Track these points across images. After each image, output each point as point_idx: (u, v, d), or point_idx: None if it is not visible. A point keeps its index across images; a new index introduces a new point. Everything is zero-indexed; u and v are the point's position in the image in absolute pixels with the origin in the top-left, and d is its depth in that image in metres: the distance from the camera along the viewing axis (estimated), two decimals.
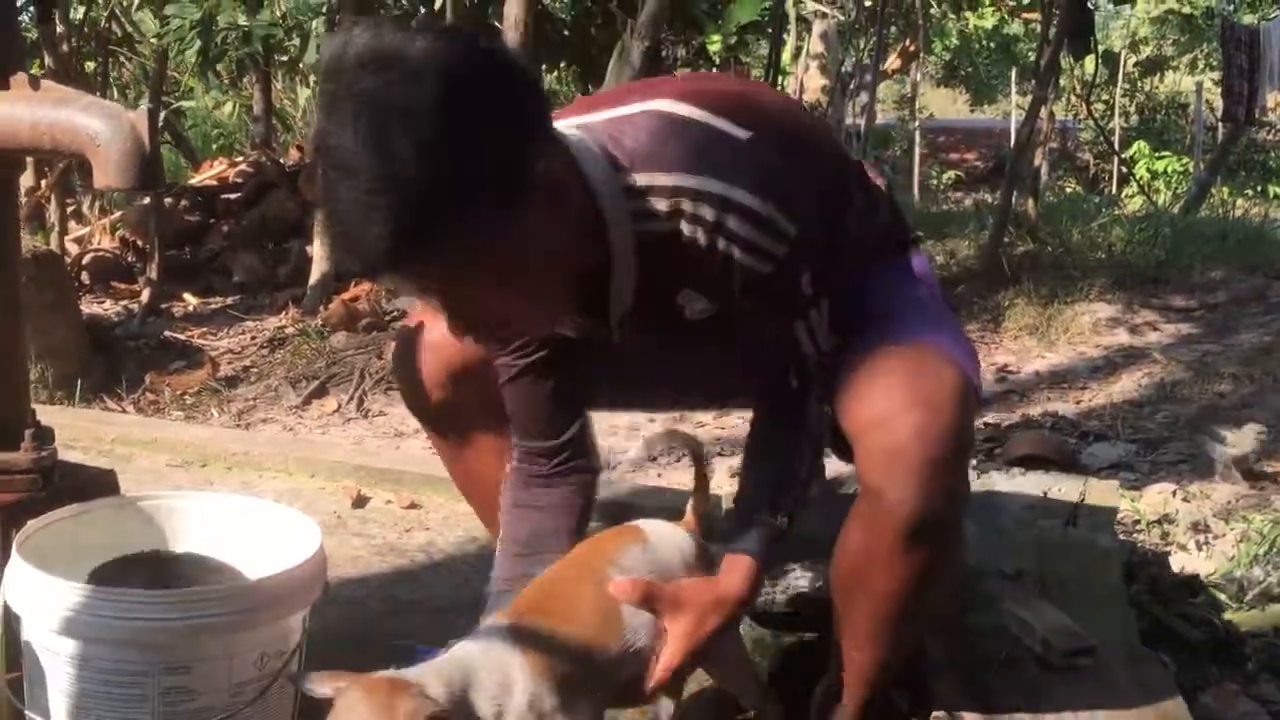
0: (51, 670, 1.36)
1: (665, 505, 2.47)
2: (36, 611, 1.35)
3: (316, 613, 1.47)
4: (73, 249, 5.35)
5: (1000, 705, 1.53)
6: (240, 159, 6.07)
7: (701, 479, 1.57)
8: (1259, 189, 11.17)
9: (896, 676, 1.54)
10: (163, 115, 5.57)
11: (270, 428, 3.79)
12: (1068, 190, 10.22)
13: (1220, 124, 10.86)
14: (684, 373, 1.61)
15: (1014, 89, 13.22)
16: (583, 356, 1.48)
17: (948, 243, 5.94)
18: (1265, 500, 2.99)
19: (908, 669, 1.57)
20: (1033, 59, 8.85)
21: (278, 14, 4.20)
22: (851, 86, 9.46)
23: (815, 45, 7.90)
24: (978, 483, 2.39)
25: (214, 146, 7.89)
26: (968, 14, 11.60)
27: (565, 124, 1.31)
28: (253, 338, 4.74)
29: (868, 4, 8.01)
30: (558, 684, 1.30)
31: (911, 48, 10.48)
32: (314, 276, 4.93)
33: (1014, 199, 5.73)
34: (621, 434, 3.39)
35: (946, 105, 17.71)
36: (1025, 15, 10.88)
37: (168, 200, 5.38)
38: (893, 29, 10.45)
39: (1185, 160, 11.77)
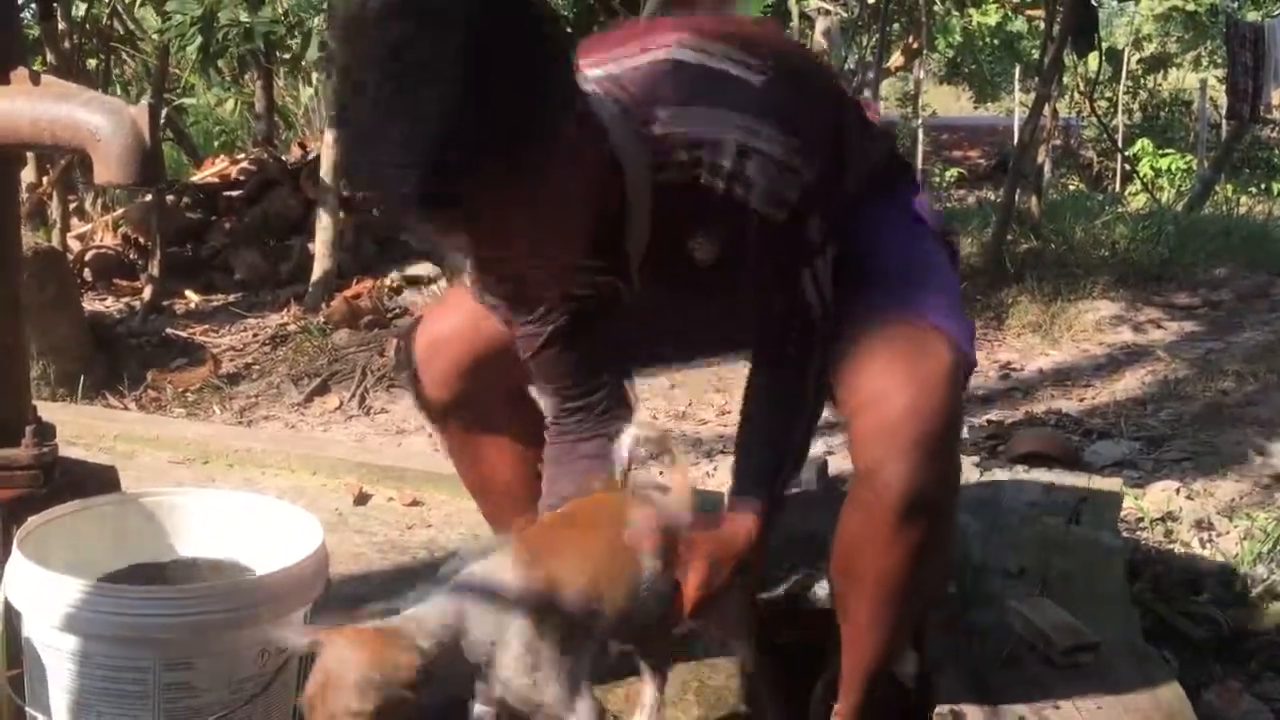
0: (52, 667, 1.36)
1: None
2: (37, 608, 1.35)
3: (318, 610, 1.47)
4: (75, 246, 5.35)
5: (1003, 703, 1.53)
6: (242, 156, 6.06)
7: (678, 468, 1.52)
8: (1263, 186, 11.15)
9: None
10: (164, 112, 5.57)
11: (272, 425, 3.79)
12: (1071, 188, 10.20)
13: (1225, 121, 10.84)
14: (697, 324, 1.59)
15: (1017, 86, 13.20)
16: (601, 318, 1.48)
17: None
18: (1269, 498, 2.98)
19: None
20: (1036, 56, 8.83)
21: (279, 11, 4.20)
22: (854, 83, 9.45)
23: (818, 42, 7.89)
24: (981, 479, 2.38)
25: (216, 144, 7.90)
26: (971, 10, 11.57)
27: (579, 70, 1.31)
28: (255, 335, 4.73)
29: (870, 1, 8.00)
30: (556, 633, 1.26)
31: (914, 45, 10.47)
32: (316, 274, 4.92)
33: (1017, 196, 5.72)
34: None
35: (950, 102, 17.70)
36: (1029, 12, 10.86)
37: (169, 197, 5.38)
38: (896, 26, 10.43)
39: (1189, 158, 11.75)
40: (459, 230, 1.19)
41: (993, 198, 8.36)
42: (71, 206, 5.43)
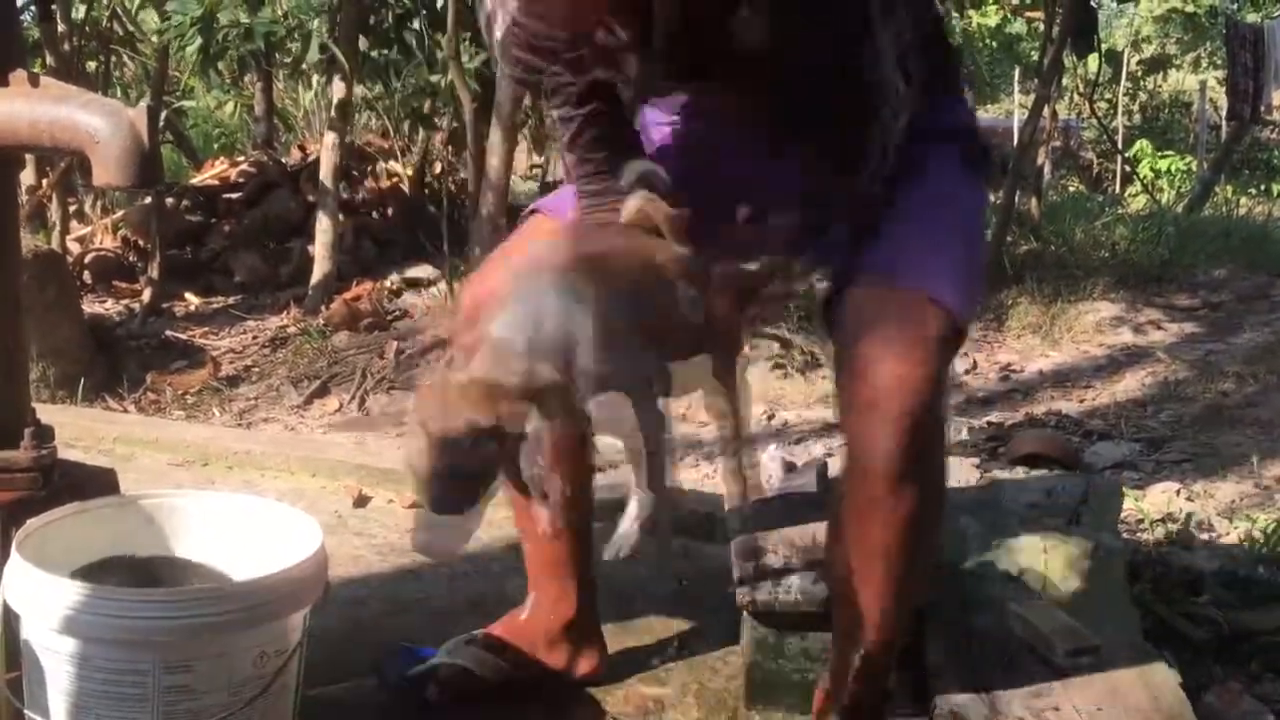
0: (51, 669, 1.36)
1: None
2: (36, 610, 1.35)
3: (317, 612, 1.47)
4: (74, 248, 5.35)
5: (1003, 705, 1.52)
6: (242, 158, 6.06)
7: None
8: (1263, 187, 11.14)
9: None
10: (164, 114, 5.57)
11: (272, 427, 3.79)
12: (1071, 189, 10.20)
13: (1225, 122, 10.84)
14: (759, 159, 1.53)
15: (1017, 88, 13.20)
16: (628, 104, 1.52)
17: None
18: (1269, 499, 2.98)
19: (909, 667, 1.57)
20: (1035, 58, 8.83)
21: (279, 13, 4.20)
22: None
23: None
24: (981, 481, 2.38)
25: (215, 146, 7.89)
26: (971, 12, 11.58)
27: None
28: (254, 337, 4.73)
29: None
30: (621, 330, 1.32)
31: None
32: (316, 276, 4.92)
33: (1017, 198, 5.71)
34: None
35: None
36: (1028, 14, 10.86)
37: (169, 200, 5.38)
38: None
39: (1189, 159, 11.75)
40: None
41: (992, 199, 8.36)
42: (71, 209, 5.43)
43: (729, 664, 1.84)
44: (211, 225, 5.58)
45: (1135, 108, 14.18)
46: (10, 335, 1.62)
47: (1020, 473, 2.50)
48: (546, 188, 5.72)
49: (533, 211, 1.71)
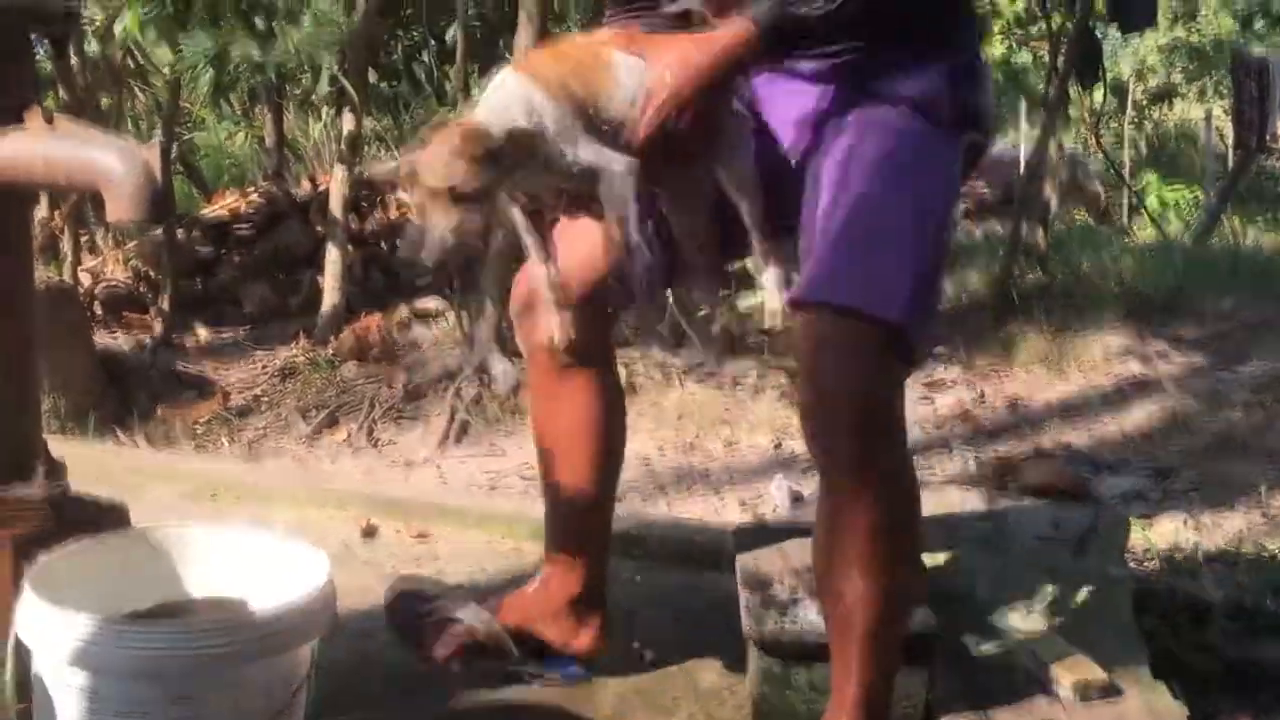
0: (62, 702, 1.37)
1: (677, 535, 2.48)
2: (47, 644, 1.36)
3: (325, 643, 1.48)
4: (85, 280, 5.38)
5: None
6: (252, 190, 6.10)
7: None
8: (1270, 217, 11.14)
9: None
10: (175, 147, 5.61)
11: (280, 458, 3.80)
12: (1078, 220, 10.21)
13: (1230, 152, 10.85)
14: None
15: (1023, 119, 13.23)
16: None
17: (958, 273, 5.94)
18: (1277, 529, 2.97)
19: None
20: (1041, 89, 8.86)
21: (290, 47, 4.25)
22: None
23: None
24: (989, 512, 2.38)
25: (226, 177, 7.94)
26: None
27: None
28: (263, 368, 4.75)
29: None
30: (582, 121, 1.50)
31: None
32: (325, 307, 4.95)
33: (1023, 229, 5.72)
34: None
35: None
36: (1033, 44, 10.91)
37: (180, 231, 5.41)
38: None
39: (1196, 189, 11.75)
40: None
41: (999, 230, 8.38)
42: (82, 240, 5.46)
43: (735, 694, 1.84)
44: (222, 256, 5.62)
45: (1141, 138, 14.21)
46: (23, 370, 1.64)
47: (1028, 503, 2.50)
48: None
49: None
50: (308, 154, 7.44)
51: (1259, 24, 13.14)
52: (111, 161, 1.40)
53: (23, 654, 1.40)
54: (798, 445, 3.80)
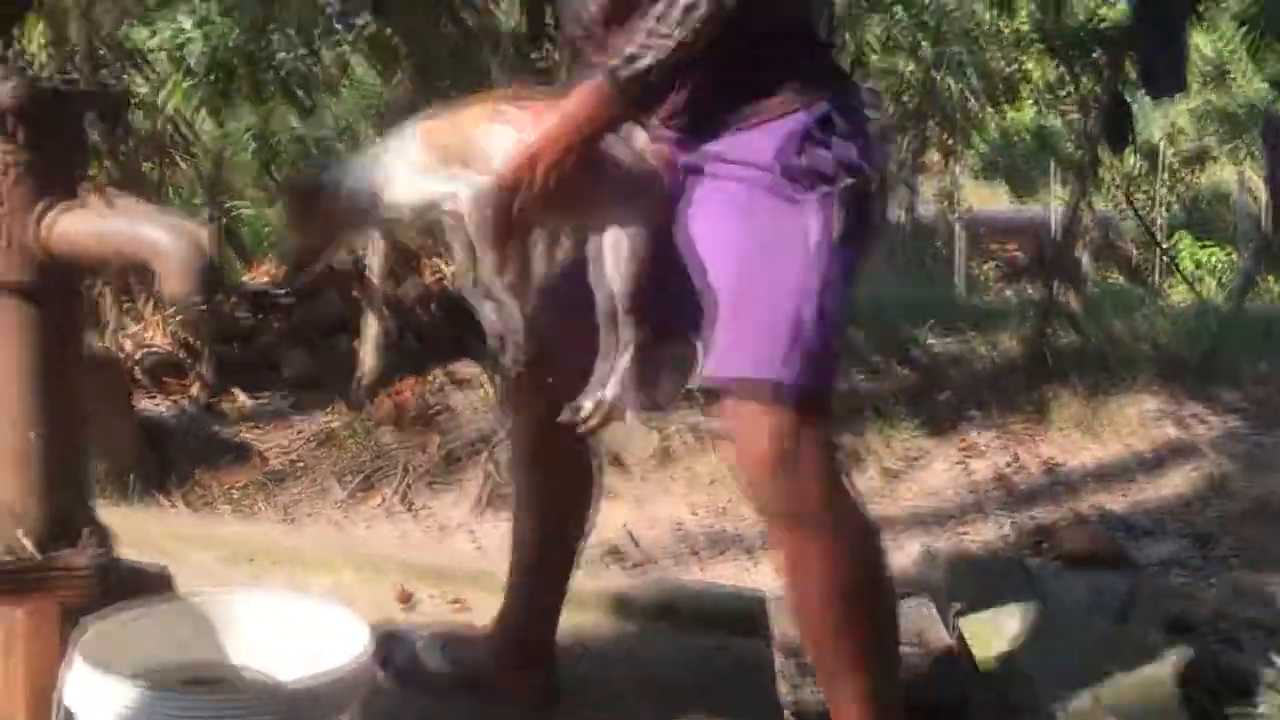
0: None
1: (709, 599, 2.47)
2: (93, 711, 1.38)
3: (364, 712, 1.49)
4: (128, 345, 5.46)
5: None
6: None
7: None
8: None
9: None
10: (218, 217, 5.72)
11: (317, 523, 3.83)
12: (1110, 281, 10.19)
13: (1264, 213, 10.81)
14: None
15: (1054, 181, 13.26)
16: None
17: (991, 335, 5.94)
18: None
19: None
20: (1072, 151, 8.90)
21: (332, 119, 4.35)
22: (891, 181, 9.56)
23: None
24: (1026, 579, 2.36)
25: (265, 245, 8.07)
26: (1006, 107, 11.71)
27: None
28: (300, 432, 4.80)
29: (906, 102, 8.13)
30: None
31: (951, 143, 10.58)
32: (362, 373, 5.00)
33: (1056, 291, 5.72)
34: None
35: (987, 198, 17.78)
36: (1063, 108, 10.96)
37: (220, 298, 5.49)
38: (931, 124, 10.56)
39: (1230, 250, 11.71)
40: None
41: (1031, 292, 8.37)
42: (124, 307, 5.56)
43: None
44: (261, 322, 5.70)
45: (1174, 199, 14.19)
46: (73, 437, 1.68)
47: (1066, 571, 2.49)
48: None
49: None
50: None
51: None
52: (164, 238, 1.44)
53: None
54: None
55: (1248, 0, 6.39)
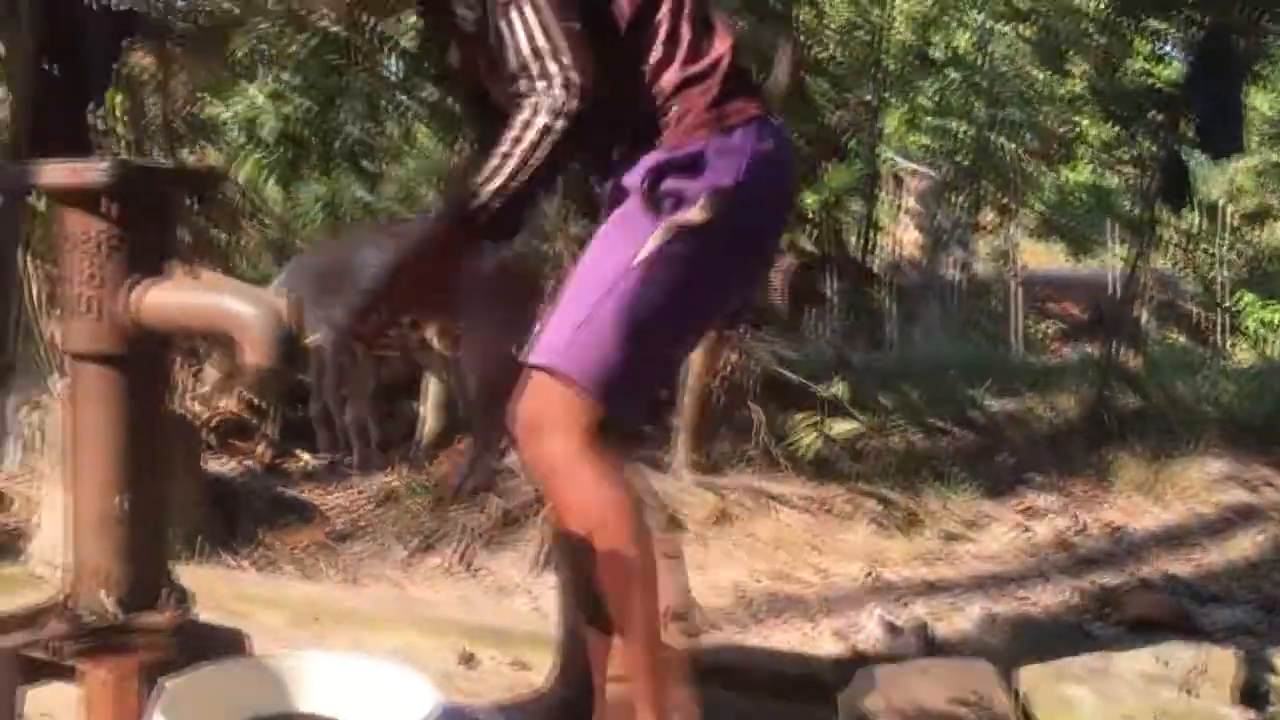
0: None
1: (771, 665, 2.48)
2: None
3: None
4: (197, 408, 5.58)
5: None
6: None
7: None
8: None
9: None
10: None
11: (379, 583, 3.87)
12: (1171, 341, 10.06)
13: None
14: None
15: (1112, 240, 13.16)
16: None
17: (1049, 396, 5.89)
18: None
19: None
20: (1129, 210, 8.85)
21: (396, 186, 4.47)
22: (946, 240, 9.56)
23: (910, 202, 8.05)
24: (1090, 647, 2.34)
25: None
26: (1061, 166, 11.68)
27: None
28: (362, 493, 4.86)
29: (960, 161, 8.16)
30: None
31: (1007, 202, 10.57)
32: (423, 434, 5.07)
33: (1116, 351, 5.68)
34: None
35: (1044, 256, 17.65)
36: (1119, 168, 10.91)
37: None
38: (986, 183, 10.56)
39: None
40: None
41: (1090, 351, 8.30)
42: (194, 371, 5.69)
43: None
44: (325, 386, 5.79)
45: (1237, 258, 14.01)
46: (155, 501, 1.74)
47: (1131, 638, 2.46)
48: None
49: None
50: None
51: None
52: (246, 310, 1.50)
53: None
54: (891, 574, 3.78)
55: None
